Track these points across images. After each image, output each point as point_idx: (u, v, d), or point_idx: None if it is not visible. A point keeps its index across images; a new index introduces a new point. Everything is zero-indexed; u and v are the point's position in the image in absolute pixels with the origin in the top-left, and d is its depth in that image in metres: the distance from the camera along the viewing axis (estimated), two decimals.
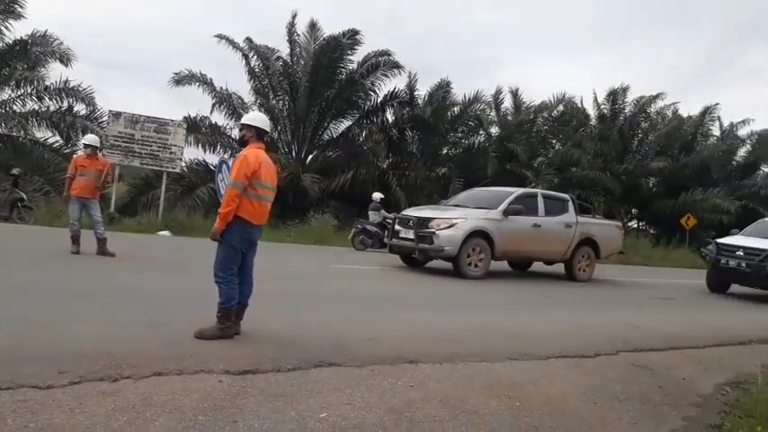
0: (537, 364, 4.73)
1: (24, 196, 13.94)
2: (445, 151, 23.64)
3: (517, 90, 26.50)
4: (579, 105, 26.92)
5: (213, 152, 20.35)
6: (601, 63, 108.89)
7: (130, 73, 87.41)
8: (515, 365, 4.62)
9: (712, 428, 3.75)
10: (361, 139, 21.83)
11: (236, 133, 20.59)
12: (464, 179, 20.40)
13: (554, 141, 26.52)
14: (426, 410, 3.44)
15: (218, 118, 20.96)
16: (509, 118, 26.04)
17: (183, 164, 17.67)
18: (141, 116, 15.40)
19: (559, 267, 11.97)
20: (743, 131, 28.73)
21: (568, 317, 7.44)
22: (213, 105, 20.14)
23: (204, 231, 13.86)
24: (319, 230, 16.38)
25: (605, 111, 27.31)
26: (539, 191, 12.20)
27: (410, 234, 10.38)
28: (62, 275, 6.98)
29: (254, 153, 4.49)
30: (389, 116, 22.07)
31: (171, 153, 15.63)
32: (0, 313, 4.48)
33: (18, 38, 18.47)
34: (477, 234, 10.13)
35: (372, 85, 21.03)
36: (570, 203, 11.73)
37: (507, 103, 26.59)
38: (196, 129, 19.73)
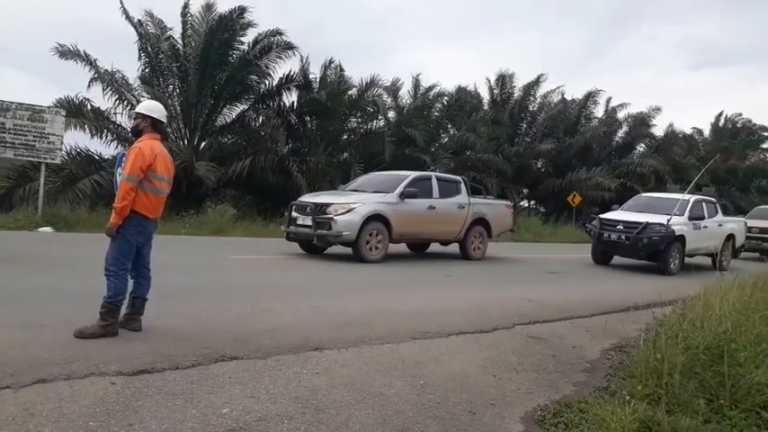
0: (439, 342, 4.87)
1: None
2: (345, 136, 23.59)
3: (418, 76, 27.09)
4: (473, 91, 27.98)
5: (100, 139, 18.87)
6: (493, 47, 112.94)
7: None
8: (419, 344, 4.73)
9: (599, 391, 4.04)
10: (257, 125, 21.24)
11: (121, 119, 19.36)
12: (364, 164, 20.48)
13: (449, 126, 27.28)
14: (332, 396, 3.44)
15: (104, 102, 19.48)
16: (407, 103, 26.48)
17: (64, 153, 16.34)
18: (12, 103, 14.02)
19: (455, 247, 12.38)
20: (620, 114, 31.15)
21: (467, 294, 7.71)
22: (91, 81, 18.51)
23: (90, 226, 12.98)
24: (217, 221, 15.81)
25: (496, 95, 28.58)
26: (433, 174, 12.51)
27: (308, 221, 10.27)
28: None
29: (150, 145, 4.34)
30: (286, 100, 21.66)
31: (49, 143, 14.38)
32: None
33: None
34: (375, 218, 10.24)
35: (267, 67, 20.39)
36: (462, 185, 12.15)
37: (406, 88, 27.08)
38: (77, 113, 18.25)
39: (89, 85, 18.53)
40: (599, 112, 31.24)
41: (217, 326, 4.77)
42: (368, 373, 3.91)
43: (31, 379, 3.23)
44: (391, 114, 25.64)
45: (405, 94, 27.13)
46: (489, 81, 28.69)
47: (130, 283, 4.39)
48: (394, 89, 25.98)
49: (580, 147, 27.98)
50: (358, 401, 3.41)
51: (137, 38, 19.10)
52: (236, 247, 11.48)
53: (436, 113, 25.96)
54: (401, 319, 5.63)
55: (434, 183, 11.59)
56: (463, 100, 26.74)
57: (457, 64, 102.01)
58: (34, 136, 14.21)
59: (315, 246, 10.77)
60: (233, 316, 5.22)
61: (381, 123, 24.22)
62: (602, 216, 13.15)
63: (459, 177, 12.62)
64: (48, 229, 12.84)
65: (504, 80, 28.33)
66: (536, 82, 28.41)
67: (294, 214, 10.62)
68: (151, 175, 4.29)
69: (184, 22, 19.63)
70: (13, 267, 7.52)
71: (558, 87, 30.18)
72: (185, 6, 19.36)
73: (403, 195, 10.71)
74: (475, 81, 36.75)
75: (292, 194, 16.00)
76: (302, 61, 20.97)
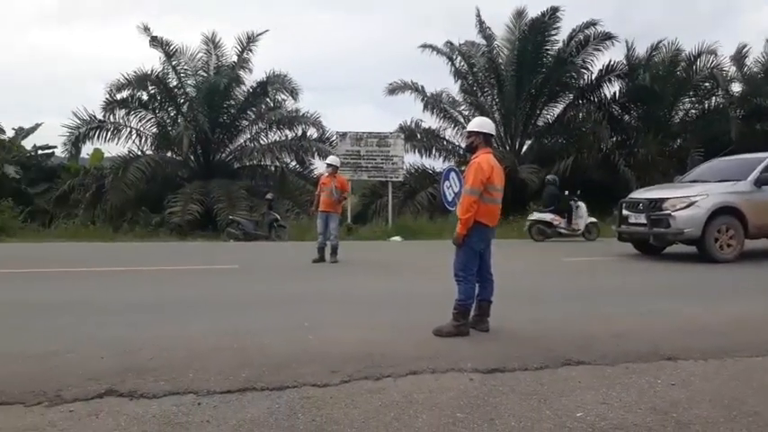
0: None
1: (279, 217, 16.04)
2: (677, 120, 21.27)
3: None
4: None
5: (429, 156, 21.19)
6: None
7: (343, 92, 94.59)
8: None
9: None
10: (578, 121, 20.76)
11: (449, 135, 21.24)
12: (704, 149, 18.13)
13: None
14: (695, 411, 3.15)
15: (431, 122, 21.75)
16: (755, 70, 22.48)
17: (404, 171, 18.65)
18: (364, 133, 16.67)
19: None
20: None
21: None
22: (424, 105, 21.04)
23: (430, 234, 14.48)
24: None
25: None
26: None
27: (641, 219, 9.58)
28: (316, 284, 7.85)
29: (486, 159, 4.66)
30: (607, 92, 20.68)
31: (393, 164, 16.66)
32: (276, 320, 5.22)
33: (259, 80, 21.33)
34: (724, 211, 9.01)
35: (584, 62, 19.90)
36: None
37: (754, 53, 23.00)
38: (412, 136, 20.71)
39: (423, 109, 20.99)
40: None
41: (558, 329, 4.83)
42: (735, 389, 3.47)
43: (405, 370, 3.77)
44: (735, 87, 22.08)
45: (750, 62, 23.08)
46: None
47: (477, 286, 4.77)
48: (739, 56, 22.21)
49: None
50: (728, 420, 3.05)
51: (455, 59, 20.82)
52: (566, 249, 11.41)
53: None
54: None
55: None
56: None
57: None
58: (381, 159, 16.60)
59: (651, 245, 9.98)
60: (573, 319, 5.21)
61: (721, 99, 21.10)
62: None
63: None
64: (397, 238, 14.79)
65: None
66: None
67: (625, 212, 10.04)
68: (490, 186, 4.59)
69: (486, 36, 20.53)
70: (378, 273, 8.89)
71: None
72: (481, 22, 20.28)
73: (759, 182, 9.16)
74: None
75: (619, 190, 15.14)
76: (627, 46, 19.82)
